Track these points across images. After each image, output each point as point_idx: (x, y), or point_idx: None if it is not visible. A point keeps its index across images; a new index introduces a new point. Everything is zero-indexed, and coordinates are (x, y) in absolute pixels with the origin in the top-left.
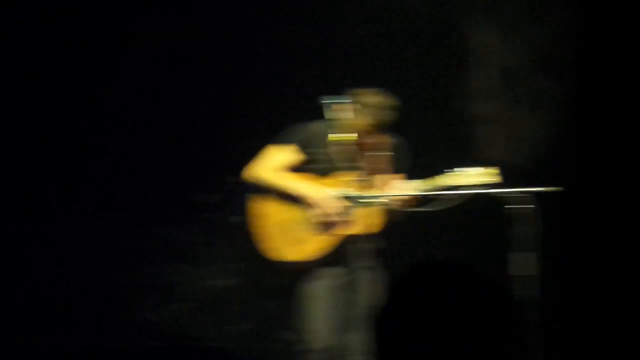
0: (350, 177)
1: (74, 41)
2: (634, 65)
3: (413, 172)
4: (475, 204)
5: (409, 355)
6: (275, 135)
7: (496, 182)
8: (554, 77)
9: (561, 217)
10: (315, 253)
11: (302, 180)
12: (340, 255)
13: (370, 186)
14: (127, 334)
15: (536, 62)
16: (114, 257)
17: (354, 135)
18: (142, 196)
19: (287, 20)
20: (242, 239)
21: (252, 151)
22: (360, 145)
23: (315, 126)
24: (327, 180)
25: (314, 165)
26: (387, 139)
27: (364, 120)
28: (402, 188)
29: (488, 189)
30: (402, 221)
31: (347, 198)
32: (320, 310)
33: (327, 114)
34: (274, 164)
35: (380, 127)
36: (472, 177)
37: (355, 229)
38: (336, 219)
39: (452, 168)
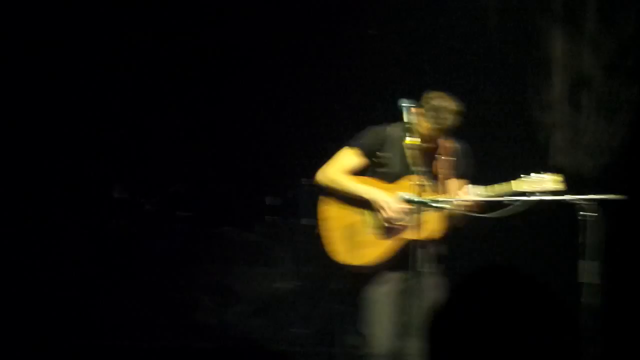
0: (418, 181)
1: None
2: None
3: (478, 178)
4: (539, 211)
5: None
6: (350, 137)
7: (561, 189)
8: (624, 84)
9: (625, 225)
10: (380, 257)
11: (371, 183)
12: (403, 260)
13: (436, 191)
14: (191, 335)
15: (606, 69)
16: (180, 257)
17: (423, 139)
18: (211, 197)
19: (367, 23)
20: (309, 242)
21: (326, 153)
22: (427, 149)
23: (390, 129)
24: (397, 184)
25: (386, 168)
26: (452, 144)
27: (432, 123)
28: (467, 194)
29: (553, 196)
30: (465, 227)
31: (413, 202)
32: (383, 315)
33: (404, 117)
34: (345, 167)
35: (447, 131)
36: (537, 183)
37: (419, 234)
38: (402, 223)
39: (518, 174)
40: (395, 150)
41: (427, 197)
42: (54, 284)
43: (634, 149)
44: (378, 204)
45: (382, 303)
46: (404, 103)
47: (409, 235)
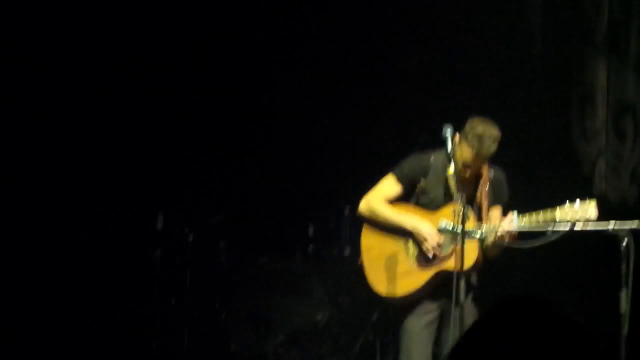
0: (455, 209)
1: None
2: None
3: (515, 206)
4: (574, 239)
5: None
6: (394, 164)
7: (595, 217)
8: None
9: None
10: (420, 288)
11: (414, 212)
12: (443, 290)
13: (472, 219)
14: None
15: None
16: (221, 287)
17: (465, 165)
18: (254, 227)
19: (412, 51)
20: (350, 272)
21: (370, 180)
22: (469, 177)
23: (434, 156)
24: (439, 213)
25: (428, 197)
26: (489, 171)
27: (475, 150)
28: (511, 222)
29: (587, 224)
30: (499, 257)
31: (451, 232)
32: (421, 346)
33: (447, 144)
34: (387, 195)
35: (485, 158)
36: (572, 212)
37: (459, 264)
38: (443, 253)
39: (558, 202)
40: (438, 178)
41: (468, 226)
42: (99, 312)
43: None
44: (420, 234)
45: (418, 334)
46: (448, 130)
47: (449, 265)
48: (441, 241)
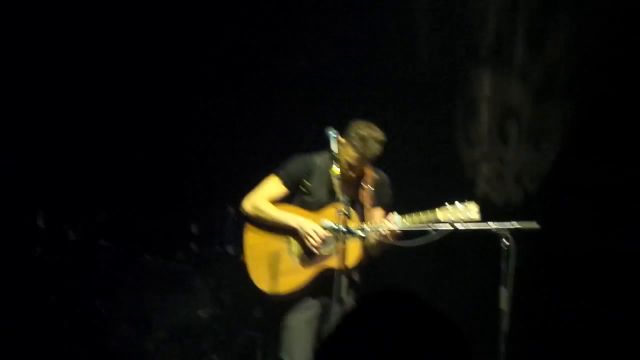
0: (339, 209)
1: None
2: None
3: (399, 209)
4: (454, 239)
5: None
6: (277, 165)
7: (477, 218)
8: (551, 111)
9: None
10: (302, 285)
11: (296, 211)
12: (325, 287)
13: (355, 219)
14: None
15: (534, 97)
16: (102, 285)
17: (349, 167)
18: (135, 226)
19: (291, 50)
20: (233, 270)
21: (252, 180)
22: (352, 178)
23: (317, 157)
24: (322, 212)
25: (312, 196)
26: (372, 173)
27: (358, 152)
28: (392, 222)
29: (468, 225)
30: (380, 255)
31: (334, 230)
32: (302, 341)
33: (331, 145)
34: (271, 195)
35: (368, 160)
36: (459, 212)
37: (342, 262)
38: (325, 251)
39: (435, 203)
40: (321, 178)
41: (351, 226)
42: None
43: (560, 176)
44: (302, 232)
45: (301, 330)
46: (332, 132)
47: (332, 263)
48: (325, 237)
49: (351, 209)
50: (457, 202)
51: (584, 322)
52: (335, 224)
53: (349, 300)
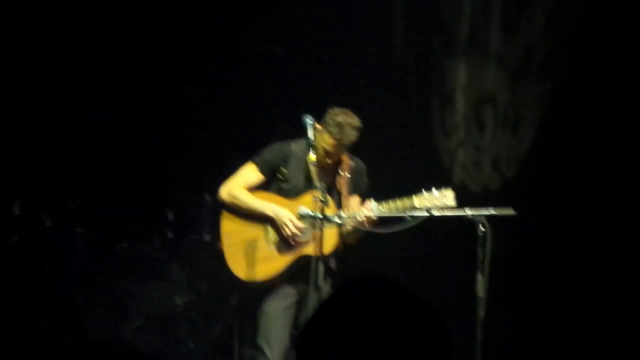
0: (315, 196)
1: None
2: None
3: (375, 197)
4: (431, 226)
5: None
6: (254, 153)
7: (453, 205)
8: (528, 95)
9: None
10: (279, 272)
11: (273, 199)
12: (302, 275)
13: (332, 206)
14: (86, 350)
15: (510, 82)
16: (78, 272)
17: (326, 154)
18: (111, 213)
19: (274, 40)
20: (210, 257)
21: (229, 168)
22: (329, 165)
23: (294, 145)
24: (299, 200)
25: (289, 184)
26: (348, 160)
27: (335, 139)
28: (369, 209)
29: (444, 211)
30: (357, 242)
31: (311, 218)
32: (278, 328)
33: (308, 133)
34: (247, 182)
35: (345, 147)
36: (436, 199)
37: (318, 249)
38: (302, 239)
39: (411, 190)
40: (298, 165)
41: (326, 213)
42: None
43: (537, 161)
44: (278, 219)
45: (277, 317)
46: (308, 119)
47: (309, 250)
48: (301, 227)
49: (328, 196)
50: (433, 189)
51: (561, 308)
52: (312, 211)
53: (325, 287)
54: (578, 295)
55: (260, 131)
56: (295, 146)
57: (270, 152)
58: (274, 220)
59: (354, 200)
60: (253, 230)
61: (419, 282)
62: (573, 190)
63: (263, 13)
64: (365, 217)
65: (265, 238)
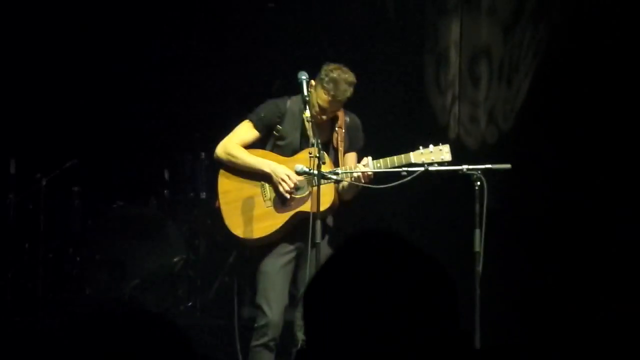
0: (312, 153)
1: None
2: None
3: (369, 151)
4: (429, 181)
5: (340, 331)
6: (250, 110)
7: (449, 159)
8: (521, 47)
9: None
10: (276, 230)
11: (270, 156)
12: (299, 232)
13: (328, 163)
14: (85, 308)
15: (504, 34)
16: (76, 232)
17: (321, 111)
18: (108, 172)
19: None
20: (207, 215)
21: (225, 126)
22: (325, 122)
23: (290, 102)
24: (295, 157)
25: (285, 141)
26: (344, 116)
27: (330, 95)
28: (366, 166)
29: (440, 166)
30: (353, 199)
31: (307, 175)
32: (277, 286)
33: (303, 90)
34: (244, 140)
35: (340, 103)
36: (432, 154)
37: (316, 206)
38: (299, 195)
39: (408, 147)
40: (293, 122)
41: (323, 169)
42: None
43: (533, 113)
44: (275, 176)
45: (275, 275)
46: (303, 76)
47: (304, 207)
48: (298, 184)
49: (324, 153)
50: (430, 145)
51: (556, 262)
52: (308, 168)
53: (323, 244)
54: (574, 248)
55: (256, 88)
56: (291, 103)
57: (266, 109)
58: (270, 177)
59: (351, 156)
60: (250, 188)
61: (416, 237)
62: (569, 141)
63: None
64: (362, 173)
65: (262, 195)
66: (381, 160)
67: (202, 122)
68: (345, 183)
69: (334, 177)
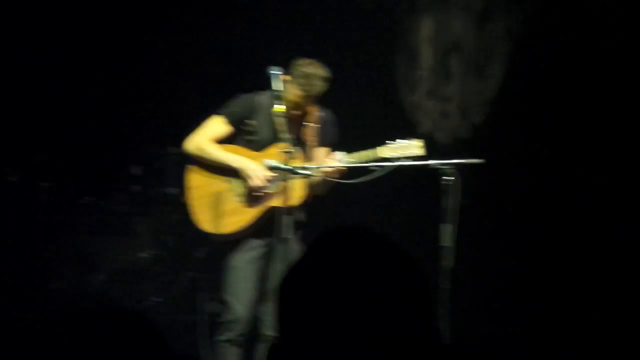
0: (283, 148)
1: None
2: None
3: (341, 146)
4: (402, 176)
5: (313, 325)
6: (219, 105)
7: (422, 154)
8: (492, 41)
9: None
10: (245, 225)
11: (239, 151)
12: (267, 227)
13: (303, 158)
14: (49, 303)
15: (475, 29)
16: (42, 227)
17: (291, 106)
18: (74, 166)
19: None
20: (175, 211)
21: (194, 121)
22: (295, 117)
23: (259, 97)
24: (265, 152)
25: (254, 136)
26: (317, 111)
27: (301, 90)
28: (334, 160)
29: (413, 161)
30: (324, 194)
31: (280, 170)
32: (244, 281)
33: (273, 85)
34: (213, 135)
35: (313, 98)
36: (401, 149)
37: (284, 201)
38: (268, 191)
39: (380, 141)
40: (264, 118)
41: (294, 165)
42: None
43: (506, 104)
44: (245, 172)
45: (243, 270)
46: (273, 70)
47: (275, 202)
48: (265, 179)
49: (295, 148)
50: (402, 140)
51: (528, 256)
52: (279, 163)
53: (293, 239)
54: (545, 243)
55: (226, 83)
56: (262, 98)
57: (237, 103)
58: (241, 172)
59: (322, 151)
60: (219, 183)
61: (387, 232)
62: (544, 134)
63: None
64: (333, 168)
65: (232, 190)
66: (353, 154)
67: (171, 117)
68: (316, 178)
69: (305, 172)
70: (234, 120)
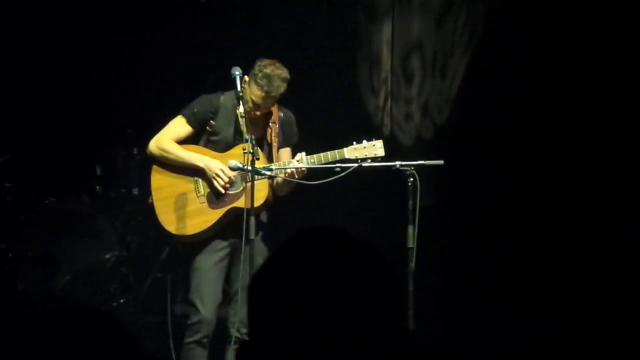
0: (245, 149)
1: None
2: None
3: (304, 147)
4: (363, 177)
5: (282, 326)
6: (183, 106)
7: (382, 155)
8: (454, 44)
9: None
10: (210, 226)
11: (203, 152)
12: (233, 228)
13: (267, 159)
14: (15, 304)
15: (436, 29)
16: (7, 227)
17: (255, 106)
18: (39, 167)
19: None
20: (139, 212)
21: (158, 121)
22: (259, 117)
23: (223, 97)
24: (229, 153)
25: (218, 137)
26: (278, 112)
27: (264, 91)
28: (299, 161)
29: (374, 162)
30: (287, 195)
31: (244, 170)
32: (210, 282)
33: (236, 85)
34: (177, 135)
35: (274, 98)
36: (365, 150)
37: (249, 202)
38: (233, 191)
39: (342, 142)
40: (227, 118)
41: (258, 165)
42: None
43: (468, 104)
44: (210, 172)
45: (210, 271)
46: (237, 71)
47: (240, 203)
48: (230, 180)
49: (258, 149)
50: (364, 141)
51: (490, 258)
52: (242, 164)
53: (257, 240)
54: (508, 243)
55: (189, 84)
56: (224, 98)
57: (199, 104)
58: (204, 172)
59: (285, 152)
60: (183, 184)
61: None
62: (506, 133)
63: None
64: (296, 168)
65: (196, 191)
66: (315, 155)
67: (134, 117)
68: (279, 179)
69: (268, 172)
70: (196, 121)
